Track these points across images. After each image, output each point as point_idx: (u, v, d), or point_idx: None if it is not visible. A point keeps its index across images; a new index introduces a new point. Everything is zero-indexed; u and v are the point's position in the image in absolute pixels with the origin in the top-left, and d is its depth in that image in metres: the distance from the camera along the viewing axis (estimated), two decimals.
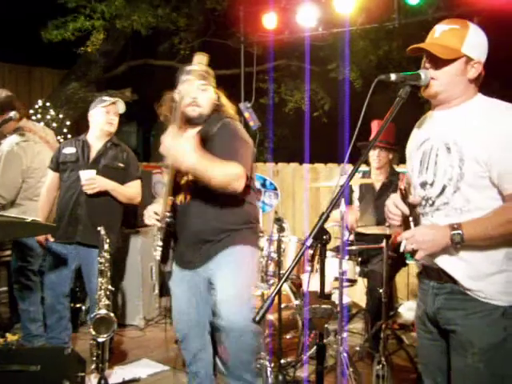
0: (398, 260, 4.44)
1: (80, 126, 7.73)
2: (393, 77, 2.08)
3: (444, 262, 2.16)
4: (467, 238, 2.03)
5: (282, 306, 3.55)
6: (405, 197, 2.26)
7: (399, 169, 4.93)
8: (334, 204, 1.79)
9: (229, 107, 3.21)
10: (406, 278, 5.72)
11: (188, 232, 3.06)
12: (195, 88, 3.04)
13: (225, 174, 2.76)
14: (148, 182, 5.77)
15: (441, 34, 2.20)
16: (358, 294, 5.45)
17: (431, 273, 2.24)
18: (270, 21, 5.75)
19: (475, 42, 2.17)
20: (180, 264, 3.19)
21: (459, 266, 2.12)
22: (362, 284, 4.63)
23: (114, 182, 4.20)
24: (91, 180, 4.06)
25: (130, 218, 5.25)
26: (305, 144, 6.08)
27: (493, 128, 2.07)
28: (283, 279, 1.62)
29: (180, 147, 2.60)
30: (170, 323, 5.43)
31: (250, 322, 1.88)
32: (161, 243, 3.04)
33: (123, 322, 5.39)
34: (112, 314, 3.65)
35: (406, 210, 2.23)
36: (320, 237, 1.71)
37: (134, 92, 7.93)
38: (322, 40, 6.47)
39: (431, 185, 2.23)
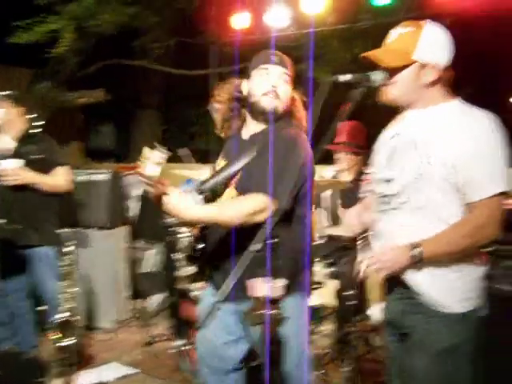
0: None
1: (52, 126, 7.66)
2: (342, 78, 2.06)
3: (409, 272, 2.14)
4: (428, 256, 2.03)
5: None
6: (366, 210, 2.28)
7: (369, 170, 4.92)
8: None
9: (303, 116, 2.65)
10: (378, 279, 5.71)
11: None
12: (278, 75, 2.52)
13: (238, 214, 2.29)
14: (118, 184, 5.70)
15: (393, 39, 2.17)
16: (330, 296, 5.44)
17: (394, 278, 2.22)
18: (240, 21, 5.73)
19: (430, 46, 2.10)
20: None
21: (419, 273, 2.11)
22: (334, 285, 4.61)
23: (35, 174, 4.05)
24: (15, 170, 3.91)
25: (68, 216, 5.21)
26: None
27: (464, 133, 2.04)
28: (229, 286, 1.60)
29: (178, 204, 2.26)
30: (142, 325, 5.42)
31: None
32: None
33: (93, 325, 5.33)
34: (76, 318, 3.61)
35: (367, 225, 2.31)
36: (270, 240, 1.69)
37: (107, 92, 7.85)
38: (293, 40, 6.46)
39: (393, 182, 2.21)
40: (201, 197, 2.43)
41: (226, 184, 2.52)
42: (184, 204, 2.23)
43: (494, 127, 2.06)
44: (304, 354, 2.50)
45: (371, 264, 2.09)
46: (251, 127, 2.60)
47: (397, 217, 2.19)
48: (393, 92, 2.16)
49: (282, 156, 2.37)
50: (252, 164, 2.43)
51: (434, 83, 2.13)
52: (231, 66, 7.25)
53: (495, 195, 2.01)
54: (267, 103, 2.48)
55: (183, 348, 4.12)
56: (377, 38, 2.30)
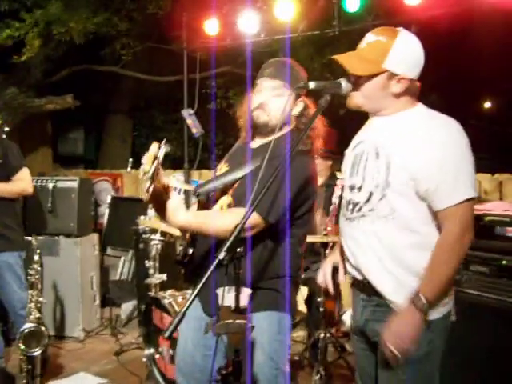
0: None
1: (22, 132, 7.56)
2: (311, 85, 2.03)
3: (371, 276, 2.14)
4: (432, 299, 2.00)
5: None
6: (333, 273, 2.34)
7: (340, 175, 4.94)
8: (250, 215, 1.75)
9: (318, 130, 2.52)
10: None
11: None
12: (269, 89, 2.48)
13: (225, 227, 2.11)
14: (86, 190, 5.62)
15: (365, 46, 2.14)
16: (302, 302, 5.43)
17: (360, 285, 2.22)
18: (211, 27, 5.70)
19: (400, 57, 2.07)
20: None
21: (385, 280, 2.10)
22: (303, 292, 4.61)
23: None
24: None
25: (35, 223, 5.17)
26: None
27: (426, 140, 2.02)
28: (193, 295, 1.57)
29: (172, 206, 2.16)
30: (111, 334, 5.34)
31: None
32: None
33: (62, 334, 5.24)
34: (43, 328, 3.54)
35: (331, 289, 2.40)
36: (233, 249, 1.66)
37: (77, 98, 7.77)
38: (265, 46, 6.47)
39: (359, 189, 2.19)
40: (194, 199, 2.44)
41: (223, 190, 2.46)
42: (174, 205, 2.15)
43: (457, 133, 2.05)
44: (279, 374, 2.40)
45: (396, 347, 2.00)
46: (258, 138, 2.57)
47: (365, 224, 2.16)
48: (359, 99, 2.14)
49: (282, 173, 2.20)
50: (252, 175, 2.35)
51: (401, 94, 2.11)
52: (203, 72, 7.24)
53: (463, 202, 1.99)
54: (255, 118, 2.48)
55: (153, 357, 4.06)
56: (346, 44, 2.29)
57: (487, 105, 15.70)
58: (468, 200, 2.00)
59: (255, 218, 2.21)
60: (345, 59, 2.12)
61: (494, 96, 13.79)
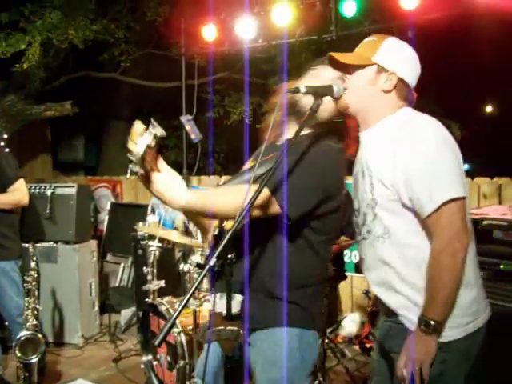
0: (337, 272, 4.43)
1: (22, 139, 7.56)
2: (303, 89, 1.99)
3: (382, 295, 2.12)
4: (439, 318, 1.93)
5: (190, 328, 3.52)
6: None
7: None
8: (241, 220, 1.73)
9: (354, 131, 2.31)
10: (350, 290, 5.73)
11: None
12: (328, 76, 2.25)
13: (233, 203, 1.96)
14: (85, 197, 5.62)
15: (359, 46, 2.16)
16: None
17: (380, 304, 2.19)
18: (209, 33, 5.71)
19: (390, 53, 2.07)
20: None
21: (394, 298, 2.07)
22: None
23: None
24: None
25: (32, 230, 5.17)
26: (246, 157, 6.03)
27: (398, 149, 1.97)
28: (184, 302, 1.56)
29: (165, 183, 1.96)
30: (110, 341, 5.34)
31: None
32: None
33: (60, 341, 5.25)
34: (40, 335, 3.53)
35: None
36: (224, 256, 1.65)
37: (77, 105, 7.77)
38: (263, 52, 6.48)
39: (358, 212, 2.18)
40: None
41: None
42: (172, 183, 1.94)
43: (431, 134, 1.98)
44: None
45: (409, 372, 1.95)
46: (290, 133, 2.29)
47: (366, 247, 2.15)
48: (349, 96, 2.10)
49: (304, 165, 2.11)
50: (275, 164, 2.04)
51: (388, 91, 2.08)
52: (202, 78, 7.25)
53: (444, 204, 1.89)
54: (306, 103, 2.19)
55: (151, 363, 4.05)
56: (344, 49, 2.27)
57: (488, 109, 15.71)
58: (451, 201, 1.90)
59: (265, 195, 1.99)
60: (338, 54, 2.13)
61: (494, 99, 13.79)
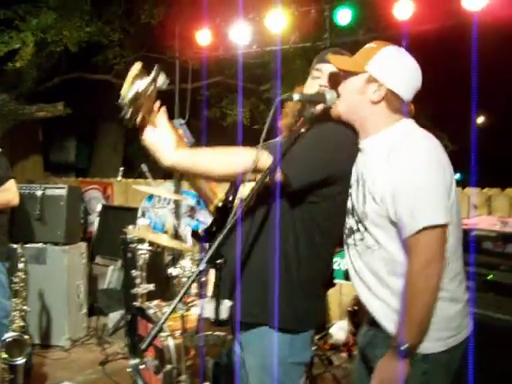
0: None
1: (13, 139, 7.54)
2: (296, 97, 1.97)
3: (366, 303, 2.11)
4: (413, 341, 1.91)
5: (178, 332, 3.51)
6: None
7: None
8: (232, 228, 1.73)
9: None
10: (338, 297, 5.73)
11: None
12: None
13: (226, 166, 1.96)
14: (75, 199, 5.60)
15: (359, 51, 2.11)
16: None
17: (366, 311, 2.17)
18: (203, 37, 5.73)
19: (384, 63, 2.01)
20: None
21: (384, 312, 2.05)
22: None
23: None
24: None
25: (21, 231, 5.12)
26: None
27: (389, 166, 1.94)
28: (171, 307, 1.56)
29: (159, 139, 1.93)
30: (97, 344, 5.31)
31: None
32: None
33: (47, 343, 5.21)
34: (26, 336, 3.50)
35: None
36: (213, 261, 1.65)
37: (69, 106, 7.76)
38: (256, 57, 6.50)
39: (352, 214, 2.13)
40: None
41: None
42: (160, 144, 1.90)
43: (426, 154, 1.94)
44: None
45: None
46: None
47: (355, 253, 2.12)
48: (340, 104, 2.07)
49: (311, 138, 2.07)
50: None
51: (378, 103, 2.02)
52: (195, 82, 7.26)
53: (424, 229, 1.86)
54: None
55: (138, 367, 4.03)
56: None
57: (479, 120, 15.78)
58: (432, 227, 1.86)
59: (266, 160, 1.93)
60: (332, 57, 2.11)
61: (485, 111, 13.87)
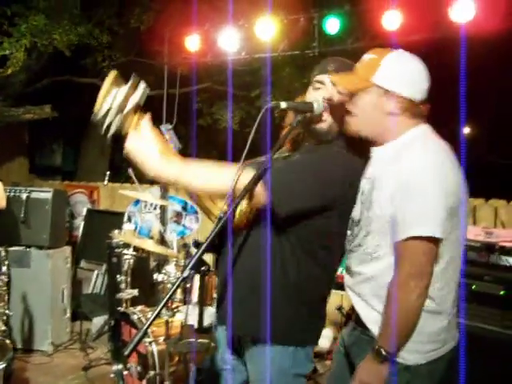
0: None
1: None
2: (283, 105, 1.97)
3: (361, 308, 2.10)
4: (391, 348, 1.90)
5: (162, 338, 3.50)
6: None
7: None
8: (216, 233, 1.73)
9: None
10: None
11: None
12: (330, 86, 2.16)
13: (221, 184, 1.92)
14: (60, 202, 5.56)
15: (359, 65, 2.06)
16: None
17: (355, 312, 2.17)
18: (192, 43, 5.74)
19: (390, 72, 1.97)
20: None
21: (373, 316, 2.04)
22: None
23: None
24: None
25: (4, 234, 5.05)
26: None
27: (395, 173, 1.92)
28: (155, 313, 1.56)
29: (141, 150, 1.91)
30: (80, 349, 5.27)
31: None
32: None
33: (30, 347, 5.14)
34: (7, 341, 3.47)
35: None
36: (197, 267, 1.65)
37: (57, 109, 7.73)
38: (245, 64, 6.52)
39: (354, 222, 2.11)
40: None
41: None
42: (144, 154, 1.88)
43: (432, 165, 1.90)
44: None
45: None
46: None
47: (352, 259, 2.12)
48: (356, 123, 2.04)
49: (308, 163, 2.06)
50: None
51: (396, 113, 1.99)
52: (184, 88, 7.26)
53: (414, 238, 1.84)
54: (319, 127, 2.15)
55: (121, 373, 4.00)
56: None
57: (465, 130, 15.89)
58: (421, 238, 1.84)
59: (264, 192, 1.91)
60: (336, 77, 2.07)
61: (471, 121, 13.97)
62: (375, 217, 1.98)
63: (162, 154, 1.91)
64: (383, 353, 1.91)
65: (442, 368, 2.07)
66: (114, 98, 1.73)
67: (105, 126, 1.77)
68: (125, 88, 1.75)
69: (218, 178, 1.95)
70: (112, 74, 1.80)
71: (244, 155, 1.89)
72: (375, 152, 2.07)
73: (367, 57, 2.05)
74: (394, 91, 1.96)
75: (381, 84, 1.97)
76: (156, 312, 1.57)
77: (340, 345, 2.33)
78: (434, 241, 1.86)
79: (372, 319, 2.05)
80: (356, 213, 2.10)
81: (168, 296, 1.59)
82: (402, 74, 1.98)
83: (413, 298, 1.86)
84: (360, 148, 2.10)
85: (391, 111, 1.98)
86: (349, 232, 2.14)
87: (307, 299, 2.16)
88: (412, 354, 1.97)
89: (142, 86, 1.79)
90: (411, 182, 1.87)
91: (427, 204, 1.86)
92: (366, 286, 2.07)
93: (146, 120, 1.93)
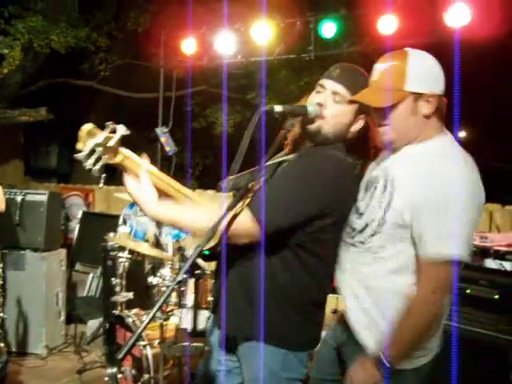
0: None
1: None
2: (278, 108, 1.94)
3: (354, 312, 2.08)
4: (394, 360, 1.92)
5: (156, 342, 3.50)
6: None
7: None
8: (211, 237, 1.73)
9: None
10: None
11: None
12: (328, 91, 2.15)
13: (200, 223, 1.93)
14: (55, 205, 5.55)
15: (379, 76, 1.99)
16: None
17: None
18: (188, 46, 5.75)
19: (420, 75, 1.94)
20: None
21: (360, 318, 2.05)
22: None
23: None
24: None
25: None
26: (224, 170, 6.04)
27: (426, 180, 1.88)
28: (150, 316, 1.56)
29: (140, 196, 1.98)
30: (75, 352, 5.25)
31: None
32: None
33: (24, 350, 5.12)
34: (2, 344, 3.46)
35: None
36: (192, 272, 1.65)
37: (53, 111, 7.71)
38: (241, 67, 6.53)
39: (360, 215, 2.06)
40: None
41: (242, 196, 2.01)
42: (140, 196, 1.95)
43: (462, 181, 1.87)
44: None
45: None
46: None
47: (352, 255, 2.09)
48: (391, 133, 1.99)
49: (295, 174, 2.06)
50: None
51: (431, 115, 1.97)
52: (180, 90, 7.26)
53: (444, 259, 1.84)
54: (310, 128, 2.15)
55: (115, 376, 4.00)
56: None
57: (460, 134, 15.96)
58: (451, 260, 1.84)
59: (245, 218, 1.92)
60: (363, 97, 2.00)
61: (466, 126, 14.02)
62: (391, 222, 1.94)
63: (158, 203, 1.95)
64: (386, 364, 1.91)
65: (428, 373, 2.08)
66: (94, 142, 1.78)
67: (89, 166, 1.82)
68: (103, 134, 1.79)
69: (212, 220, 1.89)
70: (86, 127, 1.86)
71: (238, 164, 1.92)
72: (400, 150, 2.03)
73: (384, 66, 1.99)
74: (427, 92, 1.95)
75: (415, 90, 1.94)
76: (151, 315, 1.57)
77: (330, 338, 2.31)
78: (457, 262, 1.86)
79: (364, 324, 2.05)
80: (362, 204, 2.06)
81: (162, 299, 1.59)
82: (428, 73, 1.97)
83: (434, 311, 1.91)
84: (360, 149, 2.14)
85: (426, 113, 1.96)
86: (349, 221, 2.10)
87: (296, 303, 2.15)
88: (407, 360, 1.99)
89: (121, 130, 1.82)
90: (447, 198, 1.84)
91: (461, 224, 1.85)
92: (365, 292, 2.05)
93: (145, 163, 1.98)
